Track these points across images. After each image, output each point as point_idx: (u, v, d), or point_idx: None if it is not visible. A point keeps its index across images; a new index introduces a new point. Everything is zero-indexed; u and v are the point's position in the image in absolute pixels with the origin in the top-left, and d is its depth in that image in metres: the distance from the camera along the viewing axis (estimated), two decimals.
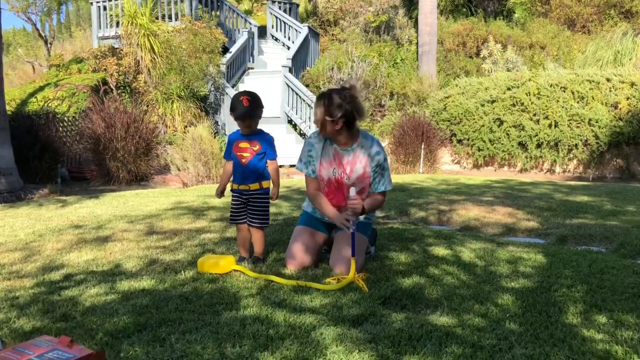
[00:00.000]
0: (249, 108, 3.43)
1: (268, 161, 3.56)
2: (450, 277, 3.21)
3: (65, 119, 10.38)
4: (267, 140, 3.55)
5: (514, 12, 17.04)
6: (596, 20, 16.33)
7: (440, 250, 3.87)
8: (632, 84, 9.87)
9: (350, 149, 3.42)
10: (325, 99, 3.33)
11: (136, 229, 4.85)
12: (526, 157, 10.45)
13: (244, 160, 3.51)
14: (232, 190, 3.61)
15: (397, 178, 9.26)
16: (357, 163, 3.42)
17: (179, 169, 9.65)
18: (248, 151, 3.51)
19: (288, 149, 10.81)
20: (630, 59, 11.98)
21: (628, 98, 9.71)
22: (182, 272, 3.37)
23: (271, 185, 3.62)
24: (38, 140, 8.77)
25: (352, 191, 3.22)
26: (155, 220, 5.23)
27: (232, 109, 3.48)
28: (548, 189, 7.62)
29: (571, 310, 2.60)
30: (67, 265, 3.64)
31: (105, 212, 5.90)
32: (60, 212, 5.99)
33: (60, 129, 9.92)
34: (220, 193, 3.70)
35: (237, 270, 3.35)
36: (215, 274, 3.30)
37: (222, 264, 3.36)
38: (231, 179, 3.65)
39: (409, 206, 6.13)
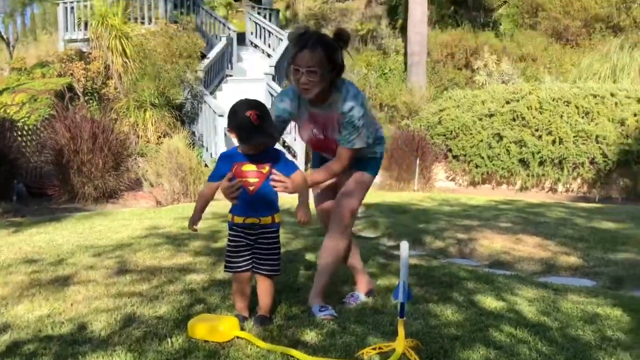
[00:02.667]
0: (260, 126, 2.56)
1: (293, 174, 2.69)
2: (526, 348, 2.44)
3: (25, 127, 9.33)
4: (278, 157, 2.69)
5: (500, 24, 16.56)
6: (585, 33, 15.95)
7: (491, 302, 3.11)
8: (639, 100, 9.33)
9: (326, 105, 2.80)
10: (321, 42, 2.67)
11: (104, 265, 3.96)
12: (527, 175, 9.81)
13: (252, 188, 2.64)
14: (232, 224, 2.74)
15: (392, 197, 8.55)
16: (332, 121, 2.82)
17: (152, 185, 8.70)
18: (255, 175, 2.65)
19: None
20: (628, 74, 11.52)
21: (635, 114, 9.18)
22: (168, 339, 2.51)
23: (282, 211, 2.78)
24: None
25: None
26: (128, 253, 4.34)
27: (236, 127, 2.60)
28: (564, 212, 6.97)
29: None
30: (12, 325, 2.75)
31: (67, 240, 4.97)
32: (12, 240, 5.04)
33: (20, 138, 8.88)
34: (194, 223, 2.77)
35: (240, 338, 2.51)
36: (212, 342, 2.47)
37: (222, 329, 2.52)
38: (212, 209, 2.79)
39: (421, 233, 5.43)
